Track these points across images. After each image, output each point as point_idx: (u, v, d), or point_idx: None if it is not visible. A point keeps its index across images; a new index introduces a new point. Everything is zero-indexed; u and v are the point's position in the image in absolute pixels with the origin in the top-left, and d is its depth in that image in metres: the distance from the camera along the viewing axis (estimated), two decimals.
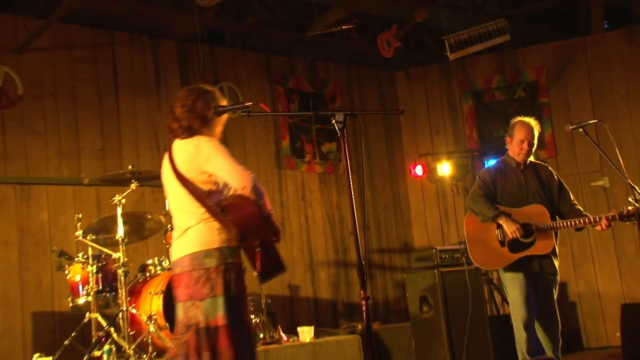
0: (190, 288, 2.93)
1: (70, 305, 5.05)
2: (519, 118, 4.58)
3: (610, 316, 6.95)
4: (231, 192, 3.05)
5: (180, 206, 3.07)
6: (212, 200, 3.00)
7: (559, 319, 4.44)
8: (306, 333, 5.31)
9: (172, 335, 3.00)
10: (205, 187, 3.02)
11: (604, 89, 7.52)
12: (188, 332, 2.90)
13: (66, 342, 4.80)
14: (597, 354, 6.67)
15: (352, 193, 2.93)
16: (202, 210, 2.98)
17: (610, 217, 4.18)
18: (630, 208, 4.04)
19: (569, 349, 4.52)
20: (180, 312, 2.98)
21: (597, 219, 4.22)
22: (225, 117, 3.21)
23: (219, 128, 3.19)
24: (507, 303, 7.03)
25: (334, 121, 2.94)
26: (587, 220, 4.27)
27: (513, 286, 4.38)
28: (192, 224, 3.01)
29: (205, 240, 2.96)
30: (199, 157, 2.99)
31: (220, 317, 2.90)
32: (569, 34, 7.92)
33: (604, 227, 4.21)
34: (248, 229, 2.95)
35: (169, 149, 3.14)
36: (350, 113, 2.97)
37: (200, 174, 3.01)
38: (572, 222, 4.28)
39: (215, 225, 2.97)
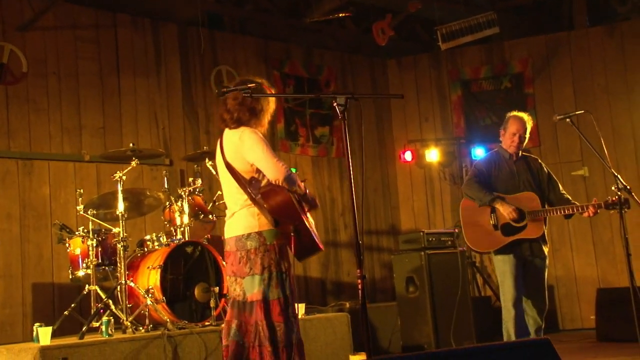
0: (235, 266, 3.23)
1: (70, 277, 5.17)
2: (514, 113, 4.79)
3: (586, 299, 7.25)
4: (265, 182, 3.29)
5: (229, 191, 3.32)
6: (253, 187, 3.24)
7: (547, 302, 4.68)
8: (297, 309, 5.49)
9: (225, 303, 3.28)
10: (248, 175, 3.25)
11: (585, 82, 7.78)
12: (232, 305, 3.23)
13: (66, 312, 4.91)
14: (572, 335, 6.90)
15: (352, 175, 3.03)
16: (245, 197, 3.23)
17: (595, 205, 4.42)
18: (615, 198, 4.25)
19: (545, 330, 4.77)
20: (229, 285, 3.29)
21: (585, 206, 4.47)
22: (273, 107, 3.42)
23: (266, 119, 3.40)
24: (489, 285, 7.38)
25: (335, 104, 3.02)
26: (575, 207, 4.52)
27: (504, 267, 4.60)
28: (237, 209, 3.27)
29: (248, 224, 3.22)
30: (242, 147, 3.23)
31: (256, 293, 3.17)
32: (553, 28, 8.16)
33: (591, 214, 4.48)
34: (281, 215, 3.17)
35: (220, 138, 3.34)
36: (351, 96, 3.04)
37: (243, 163, 3.25)
38: (562, 209, 4.54)
39: (256, 210, 3.22)
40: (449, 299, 5.79)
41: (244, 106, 3.28)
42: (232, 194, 3.30)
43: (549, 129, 7.68)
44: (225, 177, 3.32)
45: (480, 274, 7.45)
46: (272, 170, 3.20)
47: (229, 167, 3.25)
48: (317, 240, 3.29)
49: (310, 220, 3.37)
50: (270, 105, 3.41)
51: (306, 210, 3.35)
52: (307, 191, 3.35)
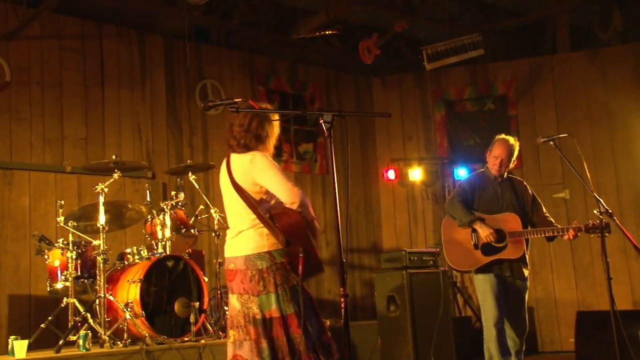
0: (246, 284, 3.30)
1: (48, 289, 5.12)
2: (502, 136, 4.81)
3: (565, 322, 7.28)
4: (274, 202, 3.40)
5: (235, 210, 3.39)
6: (263, 208, 3.34)
7: (527, 324, 4.70)
8: None
9: (231, 322, 3.33)
10: (257, 196, 3.36)
11: (567, 106, 7.89)
12: (249, 323, 3.27)
13: (42, 325, 4.87)
14: (551, 357, 6.95)
15: (337, 192, 3.03)
16: (254, 216, 3.32)
17: (576, 228, 4.46)
18: (596, 222, 4.28)
19: (525, 352, 4.78)
20: (237, 303, 3.33)
21: (565, 229, 4.51)
22: (277, 132, 3.52)
23: (272, 143, 3.50)
24: (470, 306, 7.39)
25: (321, 121, 3.04)
26: (555, 230, 4.55)
27: (485, 287, 4.62)
28: (244, 228, 3.35)
29: (257, 244, 3.31)
30: (254, 170, 3.32)
31: (274, 310, 3.27)
32: (537, 52, 8.29)
33: (571, 237, 4.50)
34: (293, 236, 3.28)
35: (227, 159, 3.46)
36: (338, 114, 3.06)
37: (253, 185, 3.35)
38: (542, 232, 4.56)
39: (265, 231, 3.31)
40: (430, 319, 5.79)
41: (250, 133, 3.39)
42: (238, 214, 3.39)
43: (531, 151, 7.76)
44: (231, 198, 3.41)
45: (461, 294, 7.47)
46: (287, 194, 3.31)
47: (237, 188, 3.35)
48: (320, 261, 3.41)
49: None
50: (275, 130, 3.51)
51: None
52: (315, 218, 3.43)
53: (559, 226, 4.63)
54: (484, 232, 4.58)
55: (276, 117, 3.57)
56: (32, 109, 6.04)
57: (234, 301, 3.34)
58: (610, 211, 4.19)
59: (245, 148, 3.38)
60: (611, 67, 7.81)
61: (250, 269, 3.29)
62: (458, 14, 7.90)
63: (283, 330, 3.26)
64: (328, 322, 6.37)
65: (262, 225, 3.32)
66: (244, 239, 3.35)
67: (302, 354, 3.25)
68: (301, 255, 3.26)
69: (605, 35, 8.14)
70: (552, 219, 4.75)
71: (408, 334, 5.80)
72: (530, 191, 4.84)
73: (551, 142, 4.43)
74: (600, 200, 4.20)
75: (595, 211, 4.23)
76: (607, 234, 4.19)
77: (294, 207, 3.30)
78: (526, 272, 4.70)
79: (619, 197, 7.52)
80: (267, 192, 3.37)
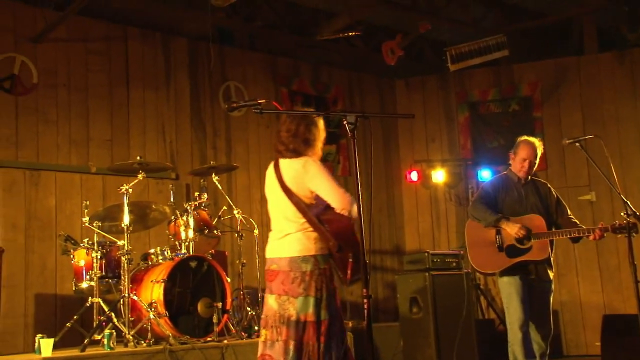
0: (287, 286, 3.35)
1: (74, 289, 5.17)
2: (525, 137, 4.77)
3: (591, 325, 7.19)
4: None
5: (283, 214, 3.45)
6: (312, 212, 3.40)
7: (552, 327, 4.64)
8: None
9: (265, 322, 3.39)
10: (307, 200, 3.43)
11: (594, 108, 7.78)
12: (282, 324, 3.32)
13: (68, 324, 4.91)
14: None
15: (360, 193, 3.07)
16: (303, 220, 3.38)
17: (603, 228, 4.40)
18: (623, 222, 4.22)
19: (549, 356, 4.73)
20: (274, 303, 3.37)
21: (591, 229, 4.45)
22: (324, 135, 3.58)
23: (319, 146, 3.57)
24: (493, 308, 7.32)
25: (345, 122, 3.06)
26: (581, 230, 4.49)
27: (509, 290, 4.57)
28: (292, 231, 3.41)
29: (303, 247, 3.36)
30: (305, 176, 3.39)
31: (310, 314, 3.32)
32: (563, 52, 8.19)
33: (597, 238, 4.44)
34: (344, 240, 3.35)
35: (274, 164, 3.53)
36: (362, 115, 3.08)
37: (304, 190, 3.41)
38: (568, 232, 4.51)
39: (313, 235, 3.38)
40: (453, 321, 5.75)
41: (298, 137, 3.47)
42: (287, 217, 3.44)
43: (556, 153, 7.67)
44: (279, 201, 3.47)
45: (485, 297, 7.40)
46: (339, 200, 3.38)
47: (288, 192, 3.42)
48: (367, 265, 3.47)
49: None
50: (321, 133, 3.58)
51: None
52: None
53: (584, 227, 4.57)
54: (513, 229, 4.52)
55: (321, 120, 3.61)
56: (58, 111, 6.12)
57: (271, 301, 3.39)
58: (638, 213, 4.13)
59: (295, 153, 3.45)
60: None
61: (293, 271, 3.34)
62: (482, 16, 7.84)
63: (315, 335, 3.30)
64: (350, 324, 6.38)
65: (311, 229, 3.38)
66: (291, 241, 3.40)
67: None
68: (350, 260, 3.31)
69: (633, 35, 8.01)
70: (576, 221, 4.69)
71: (430, 336, 5.77)
72: (554, 193, 4.78)
73: (577, 144, 4.39)
74: (628, 202, 4.14)
75: (622, 213, 4.17)
76: (634, 234, 4.13)
77: (344, 213, 3.36)
78: (551, 274, 4.64)
79: None
80: (317, 197, 3.43)
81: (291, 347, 3.28)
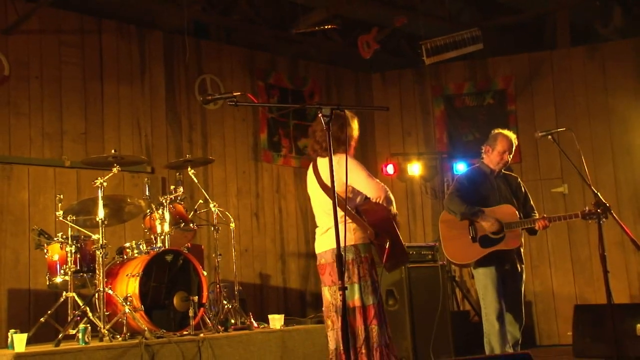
0: (333, 276, 3.65)
1: (47, 283, 5.11)
2: (500, 130, 4.85)
3: (563, 316, 7.31)
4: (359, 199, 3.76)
5: (324, 209, 3.71)
6: (350, 205, 3.67)
7: (524, 317, 4.73)
8: (277, 320, 5.40)
9: (325, 313, 3.68)
10: (344, 195, 3.65)
11: (566, 101, 7.89)
12: (336, 312, 3.63)
13: (42, 319, 4.84)
14: (549, 351, 6.95)
15: (334, 185, 3.11)
16: (342, 213, 3.57)
17: (548, 218, 4.56)
18: (592, 208, 4.29)
19: (522, 346, 4.80)
20: (327, 295, 3.68)
21: (533, 220, 4.61)
22: (357, 133, 3.86)
23: (352, 144, 3.86)
24: (468, 300, 7.41)
25: (320, 115, 3.12)
26: (531, 221, 4.63)
27: (485, 281, 4.65)
28: (332, 225, 3.45)
29: (345, 238, 3.52)
30: (340, 171, 3.56)
31: (355, 300, 3.60)
32: (536, 47, 8.28)
33: (541, 227, 4.58)
34: (381, 228, 3.62)
35: (313, 164, 3.82)
36: (337, 107, 3.16)
37: (341, 185, 3.61)
38: (532, 221, 4.63)
39: (352, 225, 3.64)
40: (428, 313, 5.80)
41: (332, 137, 3.61)
42: (328, 212, 3.68)
43: (530, 146, 7.76)
44: (320, 198, 3.74)
45: (460, 289, 7.49)
46: (374, 190, 3.67)
47: (326, 188, 3.67)
48: (406, 252, 3.79)
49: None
50: (355, 132, 3.85)
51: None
52: (397, 213, 3.79)
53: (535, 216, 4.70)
54: (487, 223, 4.60)
55: (355, 120, 3.87)
56: (31, 104, 6.04)
57: (325, 293, 3.67)
58: (607, 205, 4.20)
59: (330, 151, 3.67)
60: (611, 62, 7.81)
61: (337, 261, 3.46)
62: (458, 10, 7.89)
63: (362, 320, 3.57)
64: None
65: (350, 220, 3.61)
66: (332, 234, 3.49)
67: (374, 345, 3.56)
68: (387, 246, 3.57)
69: (605, 30, 8.13)
70: (536, 214, 4.80)
71: (407, 328, 5.83)
72: (523, 188, 4.89)
73: (550, 137, 4.47)
74: (598, 193, 4.21)
75: (592, 204, 4.25)
76: (604, 220, 4.20)
77: (379, 200, 3.64)
78: (522, 267, 4.74)
79: (617, 193, 7.53)
80: (353, 191, 3.69)
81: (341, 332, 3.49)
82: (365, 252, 3.63)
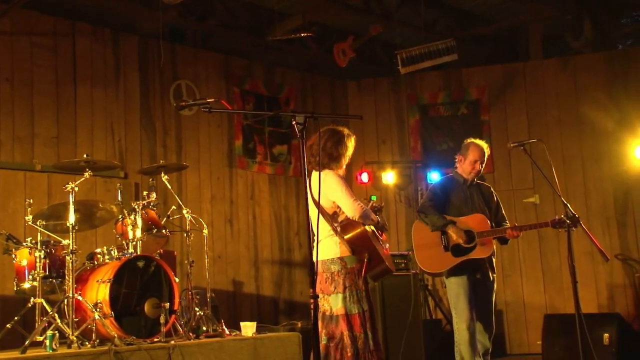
0: (322, 285, 3.88)
1: (15, 289, 5.03)
2: (472, 140, 4.90)
3: (533, 325, 7.38)
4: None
5: (316, 221, 3.83)
6: (336, 220, 3.95)
7: (494, 326, 4.77)
8: (249, 328, 5.36)
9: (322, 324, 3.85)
10: (330, 210, 3.96)
11: (539, 112, 8.00)
12: (322, 319, 3.84)
13: (8, 325, 4.78)
14: (518, 359, 7.07)
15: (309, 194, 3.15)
16: (329, 227, 3.91)
17: (517, 227, 4.63)
18: (562, 216, 4.34)
19: (493, 354, 4.85)
20: (320, 302, 3.86)
21: (505, 230, 4.67)
22: (351, 151, 4.04)
23: (344, 161, 4.04)
24: (440, 309, 7.45)
25: (294, 122, 3.12)
26: (503, 230, 4.69)
27: (458, 290, 4.68)
28: (323, 237, 3.93)
29: (330, 251, 3.89)
30: (324, 187, 3.77)
31: (340, 308, 3.81)
32: (510, 58, 8.41)
33: (512, 236, 4.64)
34: (357, 244, 3.87)
35: (309, 177, 3.96)
36: (310, 115, 3.16)
37: (326, 201, 3.91)
38: (503, 230, 4.67)
39: (337, 239, 3.90)
40: (401, 321, 5.83)
41: (325, 152, 3.95)
42: (320, 225, 3.86)
43: (503, 156, 7.85)
44: (314, 210, 3.82)
45: (432, 297, 7.53)
46: (349, 208, 3.86)
47: (315, 203, 3.80)
48: (387, 264, 3.96)
49: (385, 246, 4.09)
50: (349, 149, 4.03)
51: (382, 235, 4.11)
52: (379, 220, 4.04)
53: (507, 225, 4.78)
54: (455, 235, 4.65)
55: (352, 138, 4.06)
56: (1, 106, 5.95)
57: (319, 301, 3.85)
58: (577, 215, 4.27)
59: (321, 165, 3.87)
60: (582, 74, 7.94)
61: (325, 272, 3.87)
62: (433, 20, 7.97)
63: (347, 327, 3.77)
64: (299, 324, 6.39)
65: (335, 234, 3.88)
66: (322, 246, 3.90)
67: (360, 352, 3.76)
68: (365, 260, 3.85)
69: (577, 43, 8.28)
70: (507, 223, 4.86)
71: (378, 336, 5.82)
72: (495, 197, 4.94)
73: (521, 148, 4.52)
74: (568, 204, 4.27)
75: (562, 215, 4.31)
76: (573, 229, 4.26)
77: (355, 219, 3.85)
78: (494, 276, 4.79)
79: (587, 203, 7.65)
80: (339, 206, 3.92)
81: (324, 335, 3.78)
82: (352, 263, 3.85)
